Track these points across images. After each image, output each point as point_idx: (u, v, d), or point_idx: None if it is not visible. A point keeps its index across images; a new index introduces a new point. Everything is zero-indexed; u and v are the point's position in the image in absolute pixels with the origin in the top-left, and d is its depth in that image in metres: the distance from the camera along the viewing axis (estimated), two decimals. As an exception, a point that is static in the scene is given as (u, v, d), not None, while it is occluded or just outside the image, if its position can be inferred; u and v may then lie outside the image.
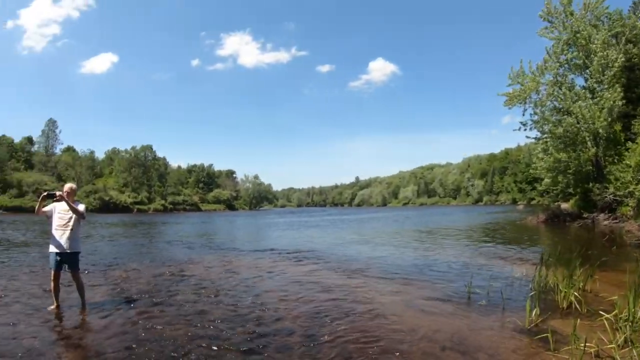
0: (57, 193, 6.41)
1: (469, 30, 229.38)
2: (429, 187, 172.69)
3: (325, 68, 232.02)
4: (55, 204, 6.59)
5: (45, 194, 6.53)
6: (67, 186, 6.67)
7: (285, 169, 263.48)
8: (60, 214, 6.52)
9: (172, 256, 13.85)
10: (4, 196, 73.92)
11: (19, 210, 66.32)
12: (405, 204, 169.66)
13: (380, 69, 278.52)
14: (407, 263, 11.79)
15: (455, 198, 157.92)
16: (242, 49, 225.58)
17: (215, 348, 5.00)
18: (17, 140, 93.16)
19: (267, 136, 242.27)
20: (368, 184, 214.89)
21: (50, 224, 6.61)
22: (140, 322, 6.04)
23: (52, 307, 6.65)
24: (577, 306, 6.44)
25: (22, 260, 12.59)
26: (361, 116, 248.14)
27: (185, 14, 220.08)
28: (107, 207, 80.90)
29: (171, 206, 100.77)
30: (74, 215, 6.51)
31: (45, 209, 6.64)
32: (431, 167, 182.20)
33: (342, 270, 10.65)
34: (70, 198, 6.50)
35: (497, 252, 13.99)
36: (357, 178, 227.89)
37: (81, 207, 6.63)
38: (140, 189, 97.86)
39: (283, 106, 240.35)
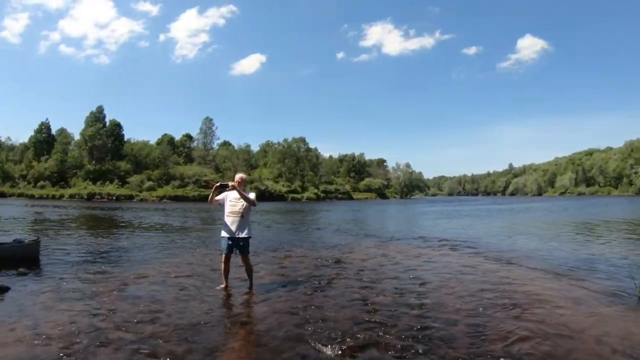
0: (230, 184, 6.78)
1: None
2: (587, 174, 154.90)
3: (471, 50, 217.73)
4: (227, 192, 6.96)
5: (218, 184, 6.90)
6: (238, 176, 6.99)
7: (435, 156, 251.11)
8: (232, 201, 6.86)
9: (330, 242, 14.14)
10: (167, 187, 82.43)
11: (181, 199, 75.38)
12: (562, 193, 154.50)
13: (529, 46, 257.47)
14: (568, 257, 10.88)
15: (616, 187, 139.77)
16: (385, 38, 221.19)
17: (381, 333, 4.91)
18: (177, 137, 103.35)
19: (416, 123, 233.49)
20: (522, 171, 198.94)
21: (223, 211, 7.01)
22: (305, 304, 6.18)
23: (222, 286, 7.07)
24: None
25: (187, 244, 13.57)
26: (512, 98, 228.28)
27: (325, 8, 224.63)
28: (263, 195, 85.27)
29: (323, 195, 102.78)
30: (245, 203, 6.83)
31: (218, 197, 7.02)
32: (590, 153, 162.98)
33: (500, 261, 10.16)
34: (241, 187, 6.81)
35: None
36: (510, 165, 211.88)
37: (252, 196, 6.91)
38: (294, 179, 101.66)
39: (430, 92, 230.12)
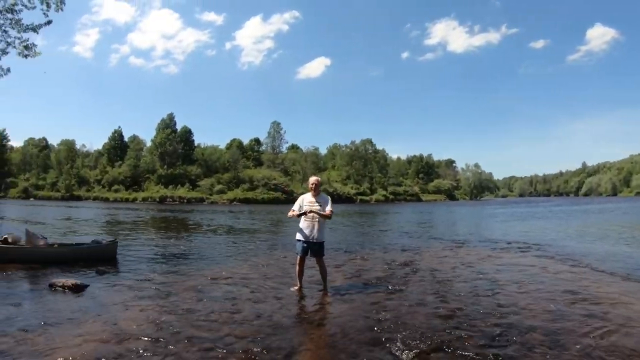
0: (308, 213, 6.75)
1: None
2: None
3: (539, 44, 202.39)
4: (302, 196, 7.03)
5: (297, 214, 6.83)
6: (313, 179, 7.06)
7: (505, 156, 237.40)
8: (307, 205, 6.86)
9: (401, 244, 13.88)
10: (237, 190, 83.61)
11: (251, 202, 76.41)
12: (638, 193, 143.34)
13: (599, 36, 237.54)
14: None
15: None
16: (450, 35, 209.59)
17: (456, 338, 4.76)
18: (246, 142, 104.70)
19: (485, 122, 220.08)
20: (596, 170, 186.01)
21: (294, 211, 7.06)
22: (379, 307, 6.09)
23: (295, 288, 7.12)
24: None
25: (258, 245, 13.70)
26: (583, 93, 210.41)
27: (387, 8, 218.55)
28: (332, 198, 79.05)
29: (392, 196, 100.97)
30: (320, 209, 6.80)
31: (295, 205, 7.03)
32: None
33: (574, 264, 9.87)
34: (316, 190, 6.90)
35: None
36: (583, 164, 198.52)
37: (328, 208, 6.87)
38: (362, 181, 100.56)
39: (498, 89, 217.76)
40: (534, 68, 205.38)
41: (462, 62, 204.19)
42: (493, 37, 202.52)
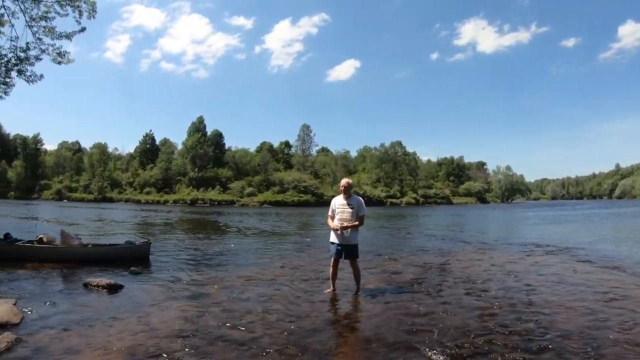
0: (341, 230, 6.64)
1: None
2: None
3: (570, 42, 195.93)
4: (334, 199, 7.02)
5: (333, 228, 6.77)
6: (344, 181, 7.00)
7: (536, 157, 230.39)
8: (339, 208, 6.85)
9: (433, 247, 13.73)
10: (268, 192, 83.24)
11: (281, 204, 75.89)
12: None
13: (631, 33, 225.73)
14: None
15: None
16: (479, 35, 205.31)
17: (491, 342, 4.64)
18: (275, 144, 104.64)
19: (516, 123, 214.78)
20: (629, 172, 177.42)
21: (332, 218, 6.99)
22: (412, 310, 6.00)
23: (329, 290, 7.09)
24: None
25: (290, 248, 13.64)
26: (616, 92, 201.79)
27: (415, 8, 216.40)
28: None
29: (422, 199, 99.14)
30: (352, 210, 6.74)
31: (329, 209, 7.03)
32: None
33: (608, 268, 9.58)
34: (347, 192, 6.84)
35: None
36: (617, 165, 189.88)
37: (362, 211, 6.81)
38: (392, 184, 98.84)
39: (529, 90, 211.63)
40: (566, 67, 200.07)
41: (492, 62, 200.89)
42: (523, 36, 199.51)
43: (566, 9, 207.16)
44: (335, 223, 6.79)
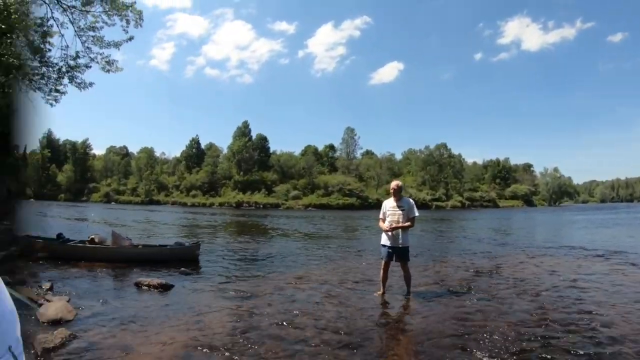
0: (391, 231, 6.65)
1: None
2: None
3: (617, 37, 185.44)
4: (385, 202, 7.02)
5: (385, 230, 6.76)
6: (394, 183, 7.04)
7: (585, 158, 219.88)
8: (390, 210, 6.83)
9: (481, 251, 13.48)
10: (312, 196, 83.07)
11: (326, 207, 74.97)
12: None
13: None
14: None
15: None
16: (523, 33, 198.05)
17: (545, 348, 4.53)
18: (320, 148, 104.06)
19: (563, 123, 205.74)
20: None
21: (384, 220, 6.96)
22: (464, 313, 5.94)
23: (379, 292, 7.03)
24: None
25: (337, 250, 13.57)
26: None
27: (457, 8, 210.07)
28: None
29: (468, 202, 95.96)
30: (402, 212, 6.72)
31: (380, 212, 7.05)
32: None
33: None
34: (397, 194, 6.86)
35: None
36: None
37: (413, 213, 6.79)
38: (437, 187, 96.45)
39: (576, 88, 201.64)
40: (613, 63, 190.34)
41: (538, 60, 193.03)
42: (568, 32, 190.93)
43: (611, 3, 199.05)
44: (385, 225, 6.76)
